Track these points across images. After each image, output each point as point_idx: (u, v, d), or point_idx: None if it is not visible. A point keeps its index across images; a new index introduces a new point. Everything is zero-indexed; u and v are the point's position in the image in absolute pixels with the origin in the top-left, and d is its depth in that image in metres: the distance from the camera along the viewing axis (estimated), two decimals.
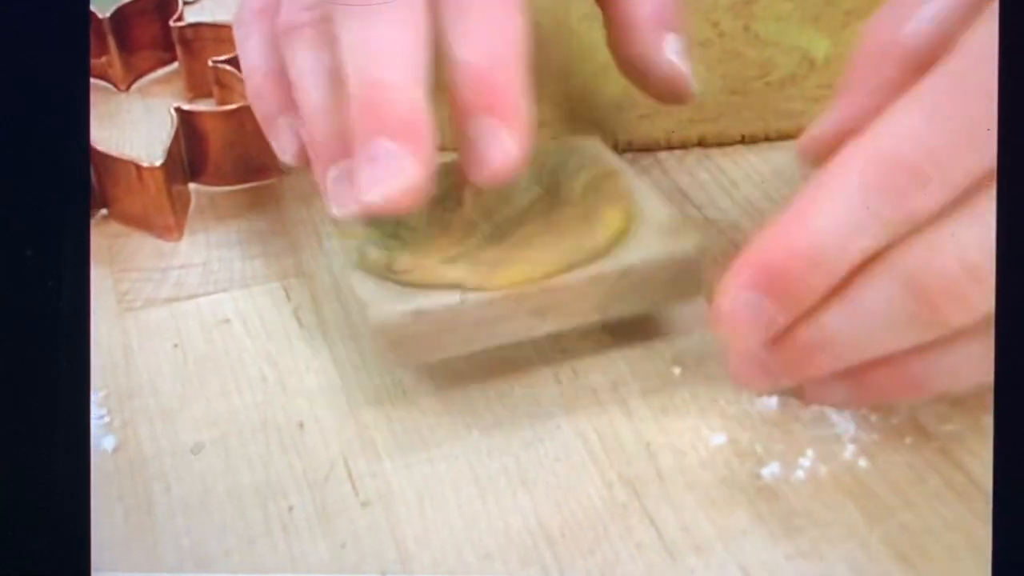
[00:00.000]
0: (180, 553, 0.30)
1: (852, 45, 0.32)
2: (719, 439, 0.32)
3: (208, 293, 0.39)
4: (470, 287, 0.32)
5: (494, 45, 0.31)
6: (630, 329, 0.35)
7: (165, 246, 0.41)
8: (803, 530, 0.30)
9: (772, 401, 0.33)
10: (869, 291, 0.28)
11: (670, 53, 0.36)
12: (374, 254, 0.33)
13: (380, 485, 0.32)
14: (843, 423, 0.32)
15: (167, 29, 0.47)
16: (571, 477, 0.31)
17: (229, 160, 0.42)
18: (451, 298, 0.32)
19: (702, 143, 0.45)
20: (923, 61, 0.29)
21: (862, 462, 0.31)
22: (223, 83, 0.44)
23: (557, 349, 0.35)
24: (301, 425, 0.33)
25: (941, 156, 0.27)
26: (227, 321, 0.38)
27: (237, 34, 0.39)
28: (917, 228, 0.27)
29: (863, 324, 0.28)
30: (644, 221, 0.34)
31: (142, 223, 0.41)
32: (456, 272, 0.32)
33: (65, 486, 0.29)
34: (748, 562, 0.29)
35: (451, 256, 0.33)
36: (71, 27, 0.29)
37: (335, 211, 0.33)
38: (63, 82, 0.29)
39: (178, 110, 0.41)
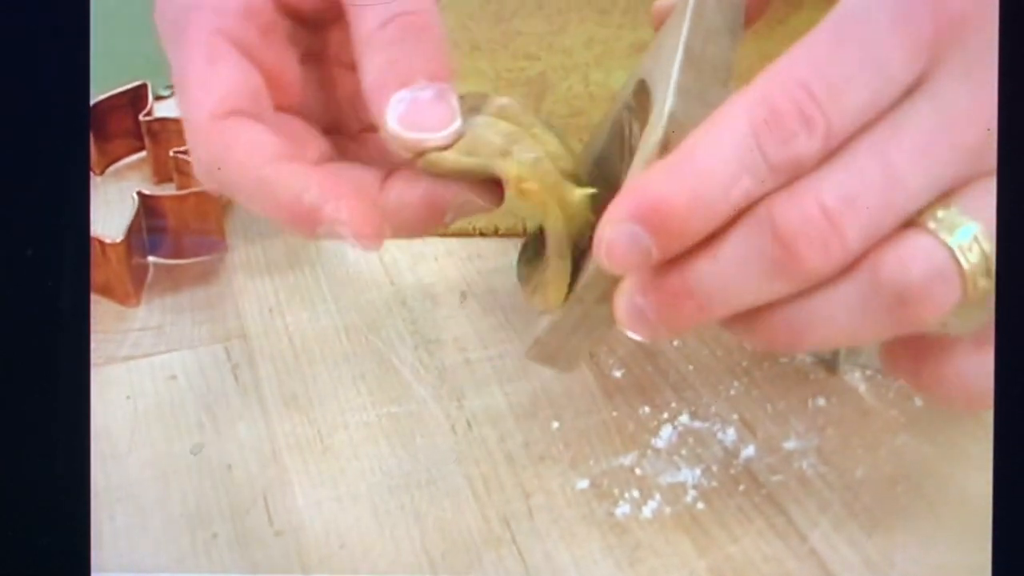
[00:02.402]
0: (120, 572, 0.35)
1: None
2: (583, 483, 0.38)
3: (160, 352, 0.45)
4: (545, 311, 0.35)
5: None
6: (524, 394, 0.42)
7: (126, 311, 0.47)
8: (644, 560, 0.35)
9: (631, 456, 0.39)
10: (734, 238, 0.28)
11: (392, 120, 0.33)
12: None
13: (293, 519, 0.37)
14: (689, 472, 0.38)
15: (138, 122, 0.54)
16: (456, 513, 0.37)
17: (184, 237, 0.48)
18: (544, 320, 0.34)
19: None
20: None
21: (700, 505, 0.37)
22: (182, 170, 0.50)
23: (455, 406, 0.41)
24: (230, 467, 0.39)
25: (829, 102, 0.27)
26: (174, 377, 0.43)
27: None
28: (797, 175, 0.28)
29: (726, 272, 0.29)
30: None
31: (105, 291, 0.47)
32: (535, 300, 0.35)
33: (65, 486, 0.30)
34: None
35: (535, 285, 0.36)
36: (71, 28, 0.30)
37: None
38: (64, 81, 0.30)
39: (139, 194, 0.47)
